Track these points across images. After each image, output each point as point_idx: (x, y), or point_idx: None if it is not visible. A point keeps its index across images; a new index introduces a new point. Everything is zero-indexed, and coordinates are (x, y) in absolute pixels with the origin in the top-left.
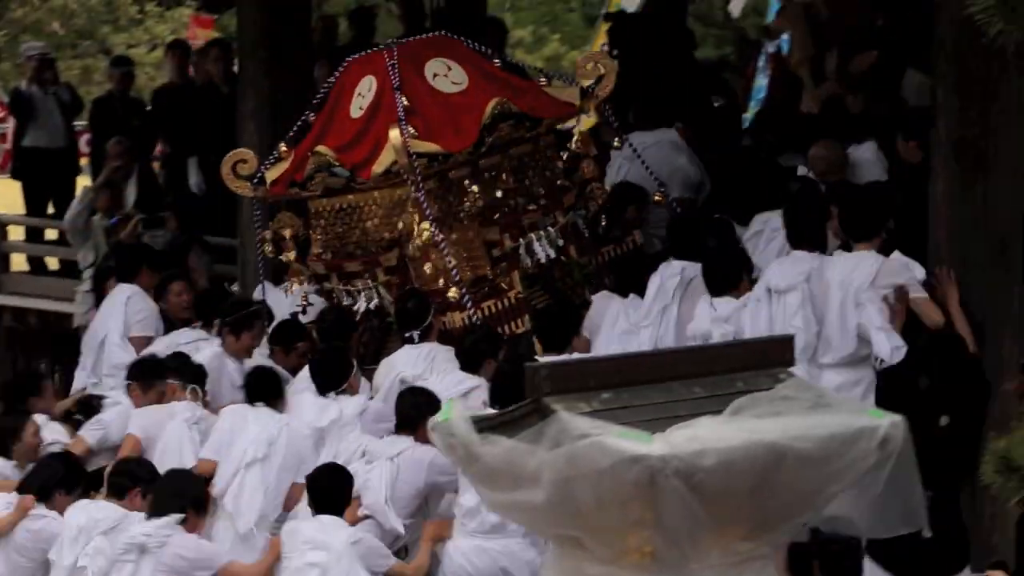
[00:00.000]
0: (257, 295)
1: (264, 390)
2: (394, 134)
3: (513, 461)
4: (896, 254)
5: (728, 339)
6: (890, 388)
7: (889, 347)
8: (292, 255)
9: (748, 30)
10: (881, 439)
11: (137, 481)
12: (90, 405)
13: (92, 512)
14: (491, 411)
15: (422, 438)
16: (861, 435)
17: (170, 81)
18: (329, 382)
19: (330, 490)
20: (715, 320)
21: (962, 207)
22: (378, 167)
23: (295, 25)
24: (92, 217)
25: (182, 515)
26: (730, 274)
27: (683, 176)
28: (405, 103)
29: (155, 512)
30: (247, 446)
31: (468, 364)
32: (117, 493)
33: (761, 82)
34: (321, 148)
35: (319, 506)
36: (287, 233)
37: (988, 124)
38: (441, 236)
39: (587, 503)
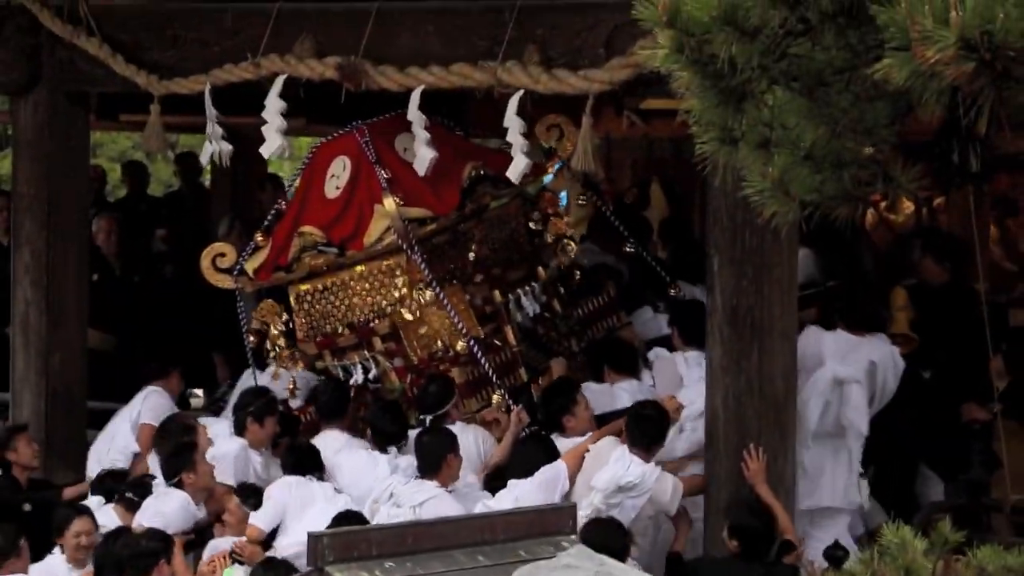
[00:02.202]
0: (248, 382)
1: (314, 463)
2: (388, 202)
3: None
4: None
5: None
6: None
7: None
8: (282, 341)
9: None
10: None
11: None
12: (144, 485)
13: None
14: None
15: (445, 478)
16: None
17: None
18: (389, 438)
19: None
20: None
21: (738, 373)
22: (368, 238)
23: (72, 179)
24: None
25: None
26: None
27: None
28: (386, 175)
29: None
30: (326, 515)
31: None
32: None
33: None
34: (306, 228)
35: None
36: (275, 321)
37: (762, 292)
38: (443, 294)
39: None
